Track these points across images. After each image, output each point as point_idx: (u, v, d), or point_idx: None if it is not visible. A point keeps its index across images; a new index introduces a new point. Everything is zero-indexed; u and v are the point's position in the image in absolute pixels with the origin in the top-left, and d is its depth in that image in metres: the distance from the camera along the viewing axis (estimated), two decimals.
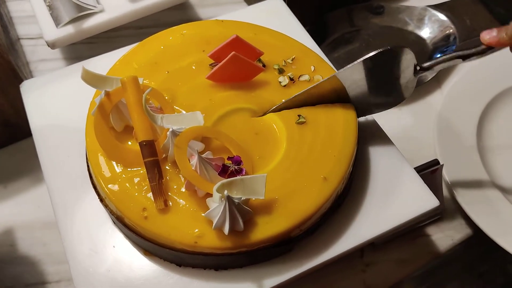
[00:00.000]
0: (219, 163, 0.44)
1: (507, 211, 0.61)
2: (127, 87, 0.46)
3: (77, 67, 0.59)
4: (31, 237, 0.61)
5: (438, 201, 0.50)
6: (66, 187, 0.50)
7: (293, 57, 0.55)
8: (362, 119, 0.55)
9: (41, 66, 0.76)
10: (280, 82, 0.52)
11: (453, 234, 0.61)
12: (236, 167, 0.44)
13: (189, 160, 0.44)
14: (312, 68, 0.54)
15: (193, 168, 0.43)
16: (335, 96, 0.51)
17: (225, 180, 0.41)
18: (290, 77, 0.53)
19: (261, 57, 0.54)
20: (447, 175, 0.63)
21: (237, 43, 0.51)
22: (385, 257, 0.60)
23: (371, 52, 0.48)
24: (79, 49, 0.76)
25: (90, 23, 0.65)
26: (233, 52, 0.49)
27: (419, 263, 0.59)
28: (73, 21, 0.65)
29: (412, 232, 0.61)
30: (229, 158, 0.45)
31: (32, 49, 0.78)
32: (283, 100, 0.51)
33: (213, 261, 0.45)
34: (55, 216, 0.49)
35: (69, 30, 0.64)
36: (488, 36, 0.46)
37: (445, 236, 0.61)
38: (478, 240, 0.61)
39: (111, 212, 0.47)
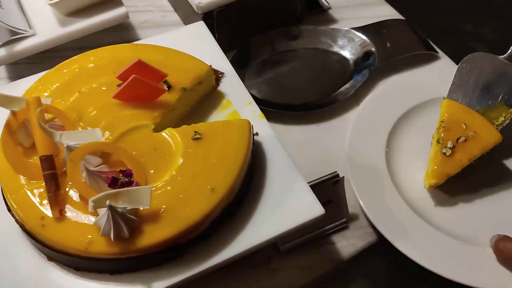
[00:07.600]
0: (111, 175, 0.49)
1: (409, 220, 0.65)
2: (31, 107, 0.51)
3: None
4: None
5: (323, 210, 0.54)
6: None
7: (197, 77, 0.59)
8: (262, 136, 0.59)
9: None
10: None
11: (357, 242, 0.66)
12: (126, 179, 0.48)
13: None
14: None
15: (84, 180, 0.47)
16: None
17: (109, 192, 0.46)
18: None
19: (168, 79, 0.58)
20: (355, 186, 0.67)
21: (140, 66, 0.55)
22: (291, 264, 0.64)
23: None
24: (21, 69, 0.81)
25: (22, 46, 0.70)
26: (133, 75, 0.53)
27: (323, 269, 0.64)
28: (6, 44, 0.69)
29: (318, 239, 0.66)
30: (120, 171, 0.49)
31: None
32: None
33: (105, 265, 0.49)
34: None
35: (2, 52, 0.69)
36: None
37: (349, 244, 0.65)
38: (380, 248, 0.66)
39: (16, 221, 0.51)
